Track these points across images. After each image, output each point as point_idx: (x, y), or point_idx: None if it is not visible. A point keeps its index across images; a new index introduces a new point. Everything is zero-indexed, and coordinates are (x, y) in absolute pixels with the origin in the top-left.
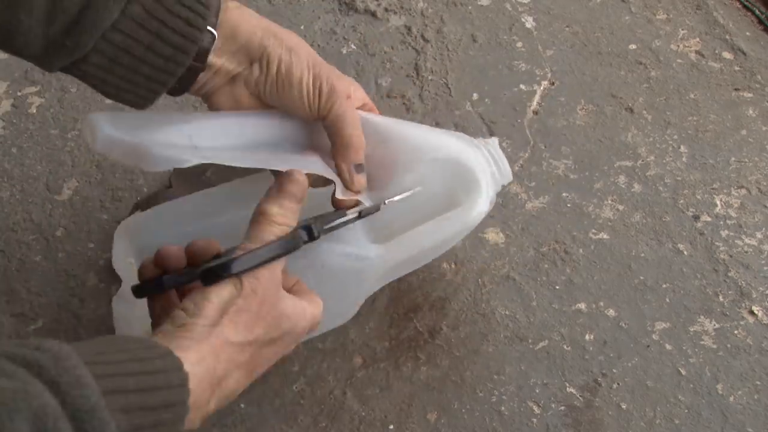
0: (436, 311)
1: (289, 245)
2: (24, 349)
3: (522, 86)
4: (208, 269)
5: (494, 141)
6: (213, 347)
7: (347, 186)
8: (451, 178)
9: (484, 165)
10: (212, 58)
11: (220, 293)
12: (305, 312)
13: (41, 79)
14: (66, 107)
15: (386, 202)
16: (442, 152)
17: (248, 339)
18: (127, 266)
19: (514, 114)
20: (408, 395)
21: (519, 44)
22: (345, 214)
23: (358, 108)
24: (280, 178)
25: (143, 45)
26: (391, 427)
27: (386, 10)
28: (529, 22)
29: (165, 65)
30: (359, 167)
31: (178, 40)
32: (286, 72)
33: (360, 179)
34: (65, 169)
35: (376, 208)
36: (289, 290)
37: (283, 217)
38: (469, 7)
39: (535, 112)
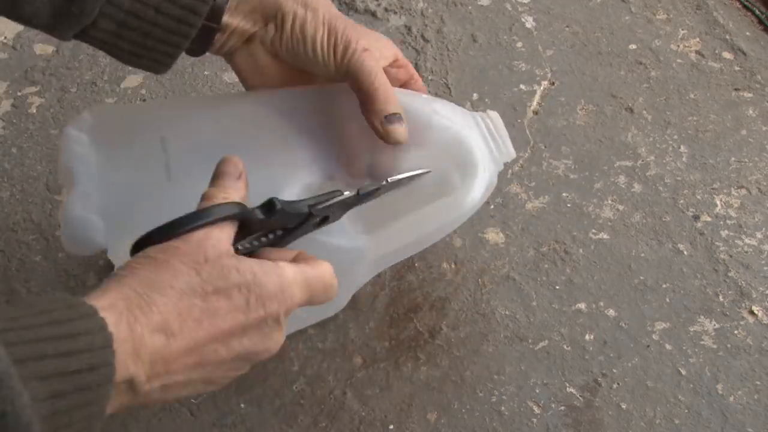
0: (436, 311)
1: (221, 211)
2: None
3: (522, 86)
4: (134, 244)
5: (495, 115)
6: (132, 289)
7: (384, 139)
8: (446, 158)
9: (482, 144)
10: (227, 18)
11: (145, 252)
12: (277, 269)
13: (41, 79)
14: (66, 107)
15: (388, 180)
16: (448, 132)
17: (180, 281)
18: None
19: (514, 114)
20: (408, 395)
21: (519, 44)
22: (342, 193)
23: (389, 66)
24: (216, 166)
25: (152, 7)
26: (391, 427)
27: (386, 10)
28: (529, 22)
29: (177, 27)
30: (392, 117)
31: (188, 0)
32: (300, 28)
33: (396, 129)
34: None
35: (376, 186)
36: (290, 261)
37: (224, 194)
38: (469, 7)
39: (535, 112)
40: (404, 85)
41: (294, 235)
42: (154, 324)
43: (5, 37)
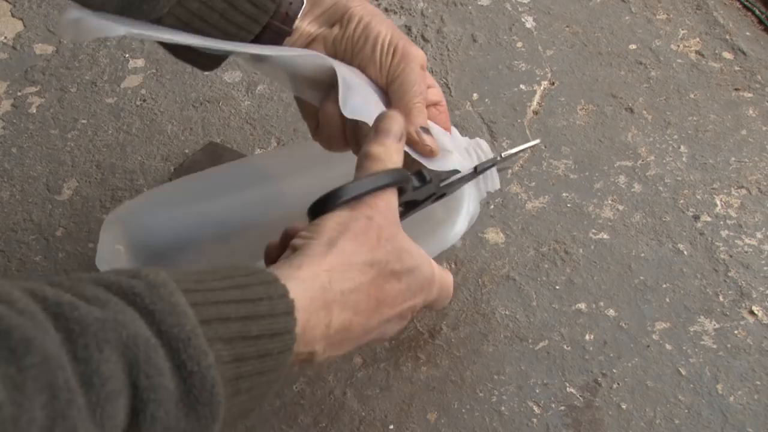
0: (436, 311)
1: (398, 176)
2: (120, 277)
3: (522, 86)
4: (316, 202)
5: (486, 146)
6: (330, 265)
7: (416, 148)
8: None
9: (470, 178)
10: (298, 23)
11: (335, 218)
12: (430, 260)
13: (41, 79)
14: (66, 107)
15: (502, 155)
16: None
17: (370, 259)
18: (114, 253)
19: (514, 114)
20: (408, 395)
21: (519, 44)
22: (458, 171)
23: (431, 105)
24: (376, 119)
25: (217, 12)
26: (391, 427)
27: (386, 9)
28: (529, 22)
29: (237, 32)
30: (425, 129)
31: (251, 9)
32: (364, 28)
33: (428, 139)
34: (65, 169)
35: (492, 162)
36: None
37: (388, 155)
38: (469, 7)
39: (535, 112)
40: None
41: (414, 210)
42: (339, 300)
43: (5, 37)
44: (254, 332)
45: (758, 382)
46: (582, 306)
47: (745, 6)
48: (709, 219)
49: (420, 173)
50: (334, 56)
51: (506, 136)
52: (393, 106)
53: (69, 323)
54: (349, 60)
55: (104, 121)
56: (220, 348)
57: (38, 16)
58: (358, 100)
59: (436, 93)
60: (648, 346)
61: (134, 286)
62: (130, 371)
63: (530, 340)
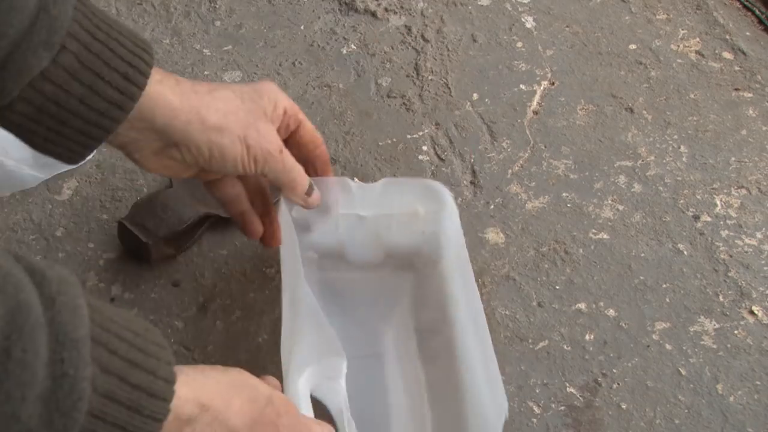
0: None
1: None
2: (34, 260)
3: (522, 86)
4: None
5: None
6: (211, 403)
7: (306, 208)
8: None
9: None
10: (124, 129)
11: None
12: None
13: None
14: None
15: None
16: None
17: None
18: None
19: (514, 114)
20: None
21: (519, 44)
22: None
23: (283, 116)
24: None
25: (75, 97)
26: None
27: (386, 10)
28: (529, 22)
29: (99, 120)
30: (309, 190)
31: (114, 94)
32: (219, 155)
33: (314, 198)
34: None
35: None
36: None
37: None
38: (469, 7)
39: (535, 112)
40: (295, 134)
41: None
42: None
43: None
44: (133, 379)
45: (758, 382)
46: (582, 306)
47: (745, 6)
48: (709, 219)
49: None
50: (178, 167)
51: (506, 136)
52: (275, 184)
53: None
54: (208, 171)
55: None
56: (97, 374)
57: None
58: None
59: (309, 131)
60: (648, 346)
61: (45, 272)
62: (8, 333)
63: (530, 340)
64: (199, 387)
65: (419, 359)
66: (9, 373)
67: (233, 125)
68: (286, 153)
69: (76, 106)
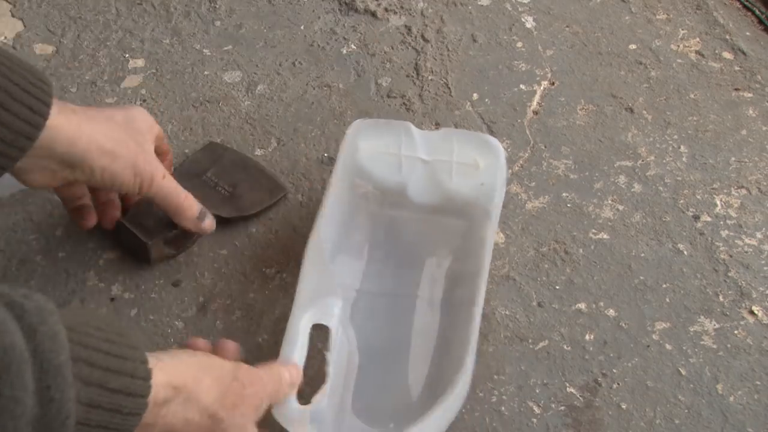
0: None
1: None
2: (12, 292)
3: (522, 86)
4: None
5: None
6: (185, 383)
7: (200, 233)
8: None
9: None
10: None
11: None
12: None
13: None
14: None
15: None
16: None
17: (214, 410)
18: None
19: (514, 114)
20: None
21: (519, 44)
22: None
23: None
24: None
25: None
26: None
27: (386, 10)
28: (529, 22)
29: (6, 150)
30: (201, 215)
31: (21, 125)
32: (109, 177)
33: (207, 224)
34: None
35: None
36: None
37: None
38: (469, 7)
39: (535, 112)
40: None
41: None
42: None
43: (5, 37)
44: (112, 384)
45: (758, 382)
46: (582, 306)
47: (745, 6)
48: (709, 219)
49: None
50: (58, 181)
51: (506, 136)
52: (165, 209)
53: None
54: (79, 182)
55: None
56: (80, 387)
57: (38, 16)
58: None
59: (165, 145)
60: (648, 346)
61: (24, 303)
62: None
63: (530, 340)
64: (171, 370)
65: (441, 305)
66: (1, 409)
67: (124, 152)
68: (169, 178)
69: None
